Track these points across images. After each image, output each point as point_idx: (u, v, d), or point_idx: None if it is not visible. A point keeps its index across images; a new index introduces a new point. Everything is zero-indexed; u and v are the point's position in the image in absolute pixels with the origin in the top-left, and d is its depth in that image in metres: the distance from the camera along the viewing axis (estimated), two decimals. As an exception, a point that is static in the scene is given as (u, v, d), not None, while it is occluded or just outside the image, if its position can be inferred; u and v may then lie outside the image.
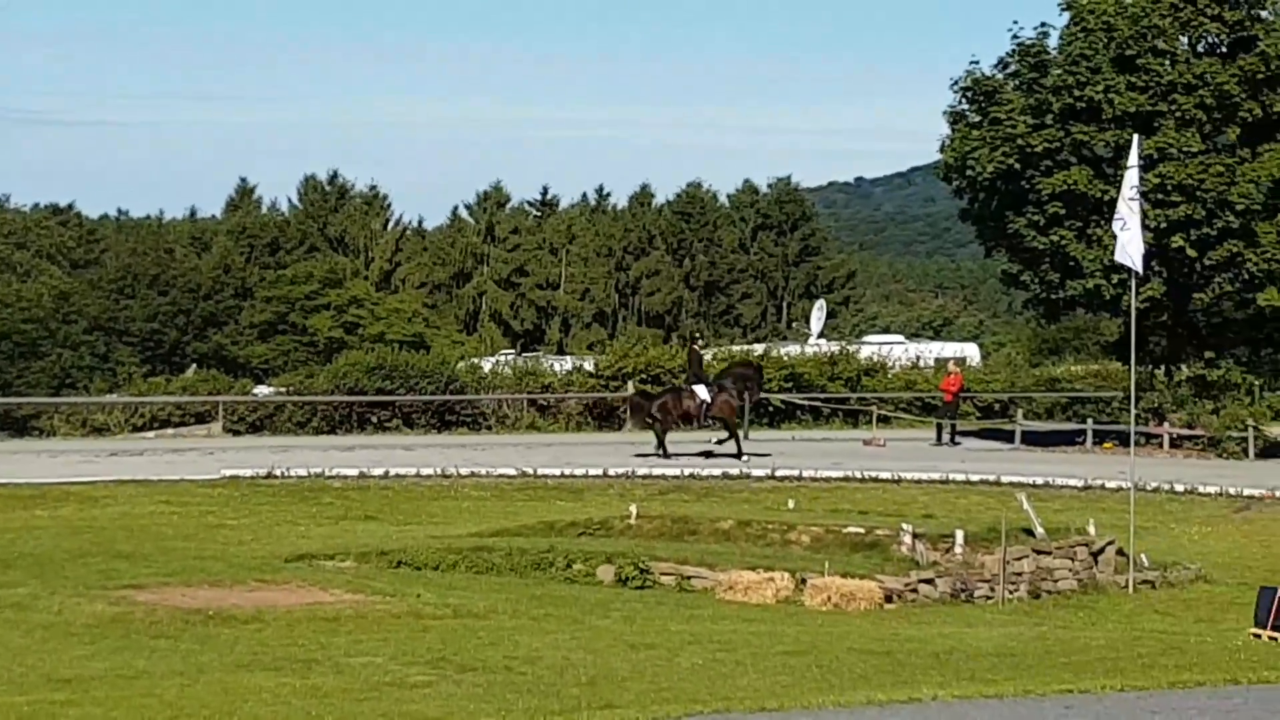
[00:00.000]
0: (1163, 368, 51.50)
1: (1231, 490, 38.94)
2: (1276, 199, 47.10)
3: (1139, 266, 29.40)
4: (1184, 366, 51.51)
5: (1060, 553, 26.96)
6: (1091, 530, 28.16)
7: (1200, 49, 48.94)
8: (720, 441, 44.09)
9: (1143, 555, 28.04)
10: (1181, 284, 48.91)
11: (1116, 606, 25.36)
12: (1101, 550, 27.51)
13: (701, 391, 42.62)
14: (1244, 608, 23.13)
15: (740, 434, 43.58)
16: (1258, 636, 21.60)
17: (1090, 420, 52.10)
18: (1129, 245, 28.53)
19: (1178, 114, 46.81)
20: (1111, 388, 60.11)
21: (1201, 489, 39.19)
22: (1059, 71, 48.11)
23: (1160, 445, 48.24)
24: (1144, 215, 31.85)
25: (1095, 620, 23.89)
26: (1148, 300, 46.25)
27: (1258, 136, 47.88)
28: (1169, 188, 45.68)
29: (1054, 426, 56.35)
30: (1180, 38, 48.51)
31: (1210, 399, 49.49)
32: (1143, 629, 22.78)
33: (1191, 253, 46.70)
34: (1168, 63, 47.42)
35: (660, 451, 42.47)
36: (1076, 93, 47.18)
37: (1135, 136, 31.15)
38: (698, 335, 48.12)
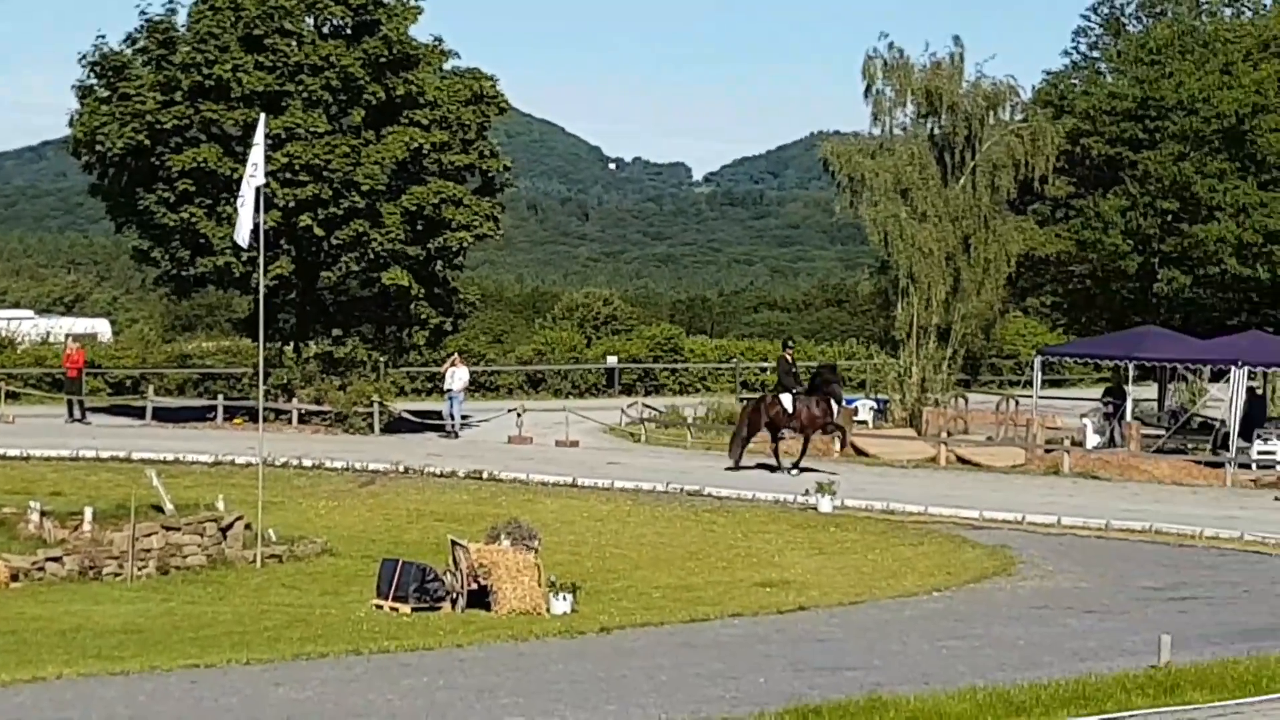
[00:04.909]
0: (292, 344, 52.38)
1: (358, 465, 40.04)
2: (400, 180, 48.74)
3: (244, 242, 30.30)
4: (313, 343, 52.53)
5: (190, 529, 27.15)
6: (221, 506, 28.50)
7: (326, 31, 49.93)
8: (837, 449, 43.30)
9: (271, 530, 28.56)
10: (310, 262, 49.86)
11: (244, 581, 25.76)
12: (230, 525, 27.87)
13: (786, 401, 41.77)
14: (368, 579, 23.96)
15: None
16: (379, 607, 22.50)
17: (221, 396, 52.43)
18: (242, 222, 29.26)
19: (305, 94, 47.67)
20: (242, 364, 60.74)
21: (329, 464, 40.10)
22: (188, 49, 48.09)
23: (290, 421, 49.08)
24: (272, 194, 32.38)
25: (223, 595, 24.19)
26: (277, 278, 47.00)
27: (382, 119, 49.29)
28: (297, 167, 46.38)
29: (185, 403, 56.40)
30: (307, 19, 49.43)
31: (338, 375, 50.68)
32: (270, 603, 23.26)
33: (319, 232, 47.60)
34: (295, 43, 48.20)
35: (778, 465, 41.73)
36: (206, 71, 47.35)
37: (261, 115, 31.70)
38: (790, 343, 46.04)
